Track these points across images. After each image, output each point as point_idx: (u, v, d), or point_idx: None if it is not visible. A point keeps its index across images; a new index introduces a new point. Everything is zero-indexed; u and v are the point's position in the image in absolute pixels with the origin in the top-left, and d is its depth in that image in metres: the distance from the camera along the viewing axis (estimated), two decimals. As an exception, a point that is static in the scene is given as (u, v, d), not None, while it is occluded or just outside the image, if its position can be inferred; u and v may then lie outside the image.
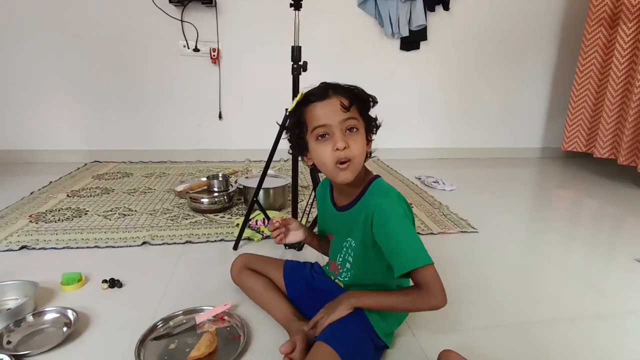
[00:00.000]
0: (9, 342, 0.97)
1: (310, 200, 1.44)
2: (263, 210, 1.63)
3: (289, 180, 1.94)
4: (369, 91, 0.92)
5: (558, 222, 1.99)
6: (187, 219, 1.81)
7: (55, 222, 1.73)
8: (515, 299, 1.28)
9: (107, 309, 1.13)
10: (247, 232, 1.60)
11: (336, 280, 1.06)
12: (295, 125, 0.91)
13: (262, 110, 2.82)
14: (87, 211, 1.86)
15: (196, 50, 2.69)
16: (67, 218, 1.77)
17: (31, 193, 2.07)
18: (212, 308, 1.09)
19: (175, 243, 1.57)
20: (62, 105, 2.67)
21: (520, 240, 1.74)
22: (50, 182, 2.28)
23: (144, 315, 1.09)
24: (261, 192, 1.75)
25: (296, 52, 1.39)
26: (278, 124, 1.37)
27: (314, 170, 1.29)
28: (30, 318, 1.04)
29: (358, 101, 0.88)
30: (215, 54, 2.71)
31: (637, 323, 1.17)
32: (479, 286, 1.33)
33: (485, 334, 1.09)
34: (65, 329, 1.02)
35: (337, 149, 0.84)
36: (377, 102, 0.92)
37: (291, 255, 1.50)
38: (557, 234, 1.82)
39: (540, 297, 1.30)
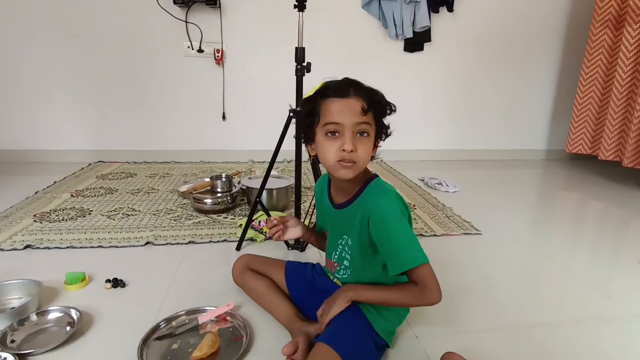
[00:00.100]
0: (12, 341, 0.97)
1: (313, 202, 1.44)
2: (266, 211, 1.63)
3: (292, 181, 1.94)
4: None
5: (562, 224, 1.98)
6: (190, 220, 1.81)
7: (59, 221, 1.74)
8: (519, 301, 1.27)
9: (110, 308, 1.13)
10: (250, 233, 1.60)
11: (334, 279, 1.06)
12: (308, 115, 0.89)
13: (266, 111, 2.83)
14: (91, 211, 1.87)
15: (200, 51, 2.70)
16: (71, 218, 1.78)
17: (35, 193, 2.08)
18: (214, 308, 1.09)
19: (178, 243, 1.57)
20: (66, 106, 2.69)
21: (524, 242, 1.73)
22: (55, 182, 2.29)
23: (146, 315, 1.09)
24: (264, 193, 1.75)
25: (300, 53, 1.39)
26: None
27: (316, 161, 1.28)
28: (34, 317, 1.05)
29: (376, 107, 0.87)
30: (219, 54, 2.72)
31: (642, 326, 1.16)
32: (483, 288, 1.32)
33: (489, 336, 1.08)
34: (68, 328, 1.02)
35: (344, 150, 0.84)
36: (395, 111, 0.91)
37: (293, 256, 1.50)
38: (561, 236, 1.81)
39: (545, 299, 1.29)
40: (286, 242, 1.55)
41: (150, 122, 2.81)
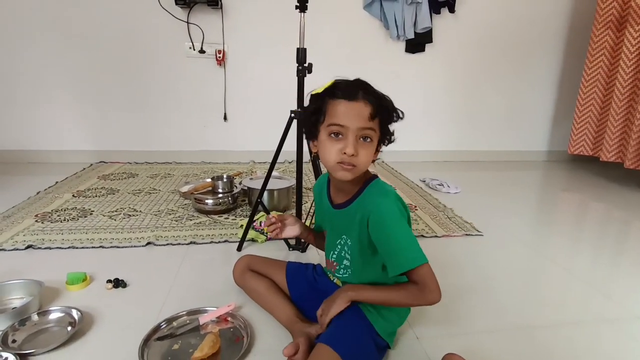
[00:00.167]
0: (14, 341, 0.97)
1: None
2: (267, 212, 1.63)
3: (293, 181, 1.94)
4: None
5: (564, 225, 1.98)
6: (191, 220, 1.81)
7: (61, 221, 1.74)
8: (520, 302, 1.27)
9: (112, 308, 1.13)
10: (251, 234, 1.60)
11: (335, 279, 1.07)
12: (314, 112, 0.89)
13: (267, 111, 2.84)
14: (93, 211, 1.87)
15: (202, 51, 2.70)
16: (72, 218, 1.78)
17: (37, 193, 2.08)
18: (215, 309, 1.09)
19: (179, 244, 1.57)
20: (68, 106, 2.69)
21: (525, 243, 1.73)
22: (56, 182, 2.29)
23: (148, 315, 1.09)
24: (265, 194, 1.75)
25: (301, 54, 1.39)
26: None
27: (317, 159, 1.28)
28: (35, 317, 1.05)
29: (383, 113, 0.86)
30: (221, 55, 2.72)
31: (644, 328, 1.16)
32: (484, 289, 1.32)
33: (490, 337, 1.08)
34: (69, 328, 1.02)
35: (345, 153, 0.83)
36: (402, 118, 0.91)
37: (294, 257, 1.50)
38: (562, 238, 1.81)
39: (546, 300, 1.29)
40: (287, 243, 1.56)
41: (151, 122, 2.82)
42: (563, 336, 1.10)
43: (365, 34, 2.90)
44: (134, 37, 2.64)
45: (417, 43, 2.94)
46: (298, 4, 1.37)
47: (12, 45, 2.54)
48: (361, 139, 0.85)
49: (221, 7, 2.64)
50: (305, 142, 1.42)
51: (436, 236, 1.73)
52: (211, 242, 1.60)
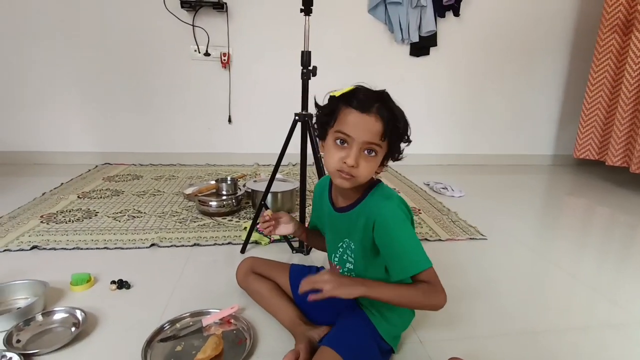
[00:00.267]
0: (18, 341, 0.98)
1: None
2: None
3: (297, 184, 1.94)
4: None
5: (569, 229, 1.97)
6: (195, 222, 1.82)
7: (66, 223, 1.75)
8: (525, 306, 1.26)
9: (115, 309, 1.13)
10: (255, 236, 1.60)
11: None
12: (327, 114, 0.88)
13: (272, 114, 2.84)
14: (97, 212, 1.88)
15: (207, 54, 2.72)
16: (77, 219, 1.79)
17: (43, 194, 2.10)
18: (218, 311, 1.09)
19: (183, 245, 1.57)
20: (73, 108, 2.71)
21: (529, 247, 1.72)
22: (62, 183, 2.30)
23: (151, 316, 1.09)
24: (269, 196, 1.75)
25: (306, 57, 1.39)
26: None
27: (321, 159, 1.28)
28: (39, 317, 1.06)
29: (393, 134, 0.85)
30: (226, 58, 2.73)
31: (650, 334, 1.15)
32: (488, 293, 1.32)
33: (494, 342, 1.07)
34: (73, 329, 1.03)
35: (345, 163, 0.82)
36: (410, 142, 0.91)
37: (298, 259, 1.50)
38: (567, 242, 1.80)
39: (550, 305, 1.28)
40: (290, 245, 1.56)
41: (156, 124, 2.83)
42: (568, 341, 1.09)
43: (369, 38, 2.91)
44: (139, 39, 2.66)
45: (422, 47, 2.95)
46: (303, 7, 1.37)
47: (20, 47, 2.56)
48: (365, 151, 0.84)
49: (226, 10, 2.65)
50: (309, 145, 1.43)
51: (440, 240, 1.73)
52: (215, 244, 1.60)
